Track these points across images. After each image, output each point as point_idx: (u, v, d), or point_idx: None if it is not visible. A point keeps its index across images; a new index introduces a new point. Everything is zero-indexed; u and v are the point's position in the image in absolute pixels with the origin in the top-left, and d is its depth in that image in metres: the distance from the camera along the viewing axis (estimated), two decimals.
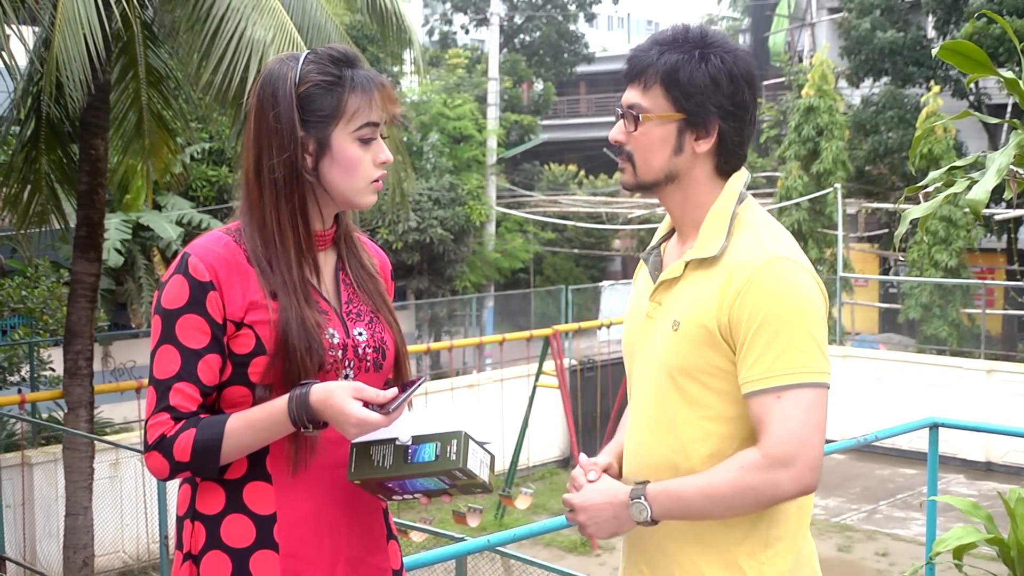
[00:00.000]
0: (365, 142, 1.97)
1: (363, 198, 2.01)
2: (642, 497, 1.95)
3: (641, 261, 2.20)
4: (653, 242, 2.20)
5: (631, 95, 2.03)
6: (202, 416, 1.90)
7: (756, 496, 1.90)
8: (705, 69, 1.96)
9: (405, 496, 1.97)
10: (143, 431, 1.91)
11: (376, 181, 2.00)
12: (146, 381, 1.99)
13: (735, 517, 1.96)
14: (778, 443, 1.87)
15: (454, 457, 1.87)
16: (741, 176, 2.05)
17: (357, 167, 1.97)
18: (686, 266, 2.02)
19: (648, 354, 2.07)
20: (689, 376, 1.98)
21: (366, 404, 1.85)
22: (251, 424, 1.88)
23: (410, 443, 1.90)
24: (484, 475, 1.91)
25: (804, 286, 1.93)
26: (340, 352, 1.98)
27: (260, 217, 1.97)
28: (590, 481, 2.05)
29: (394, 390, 1.89)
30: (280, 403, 1.88)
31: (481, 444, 1.92)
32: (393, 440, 1.91)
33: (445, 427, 1.91)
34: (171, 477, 1.91)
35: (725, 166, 2.04)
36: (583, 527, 2.03)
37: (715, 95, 1.97)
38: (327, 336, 1.96)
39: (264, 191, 1.96)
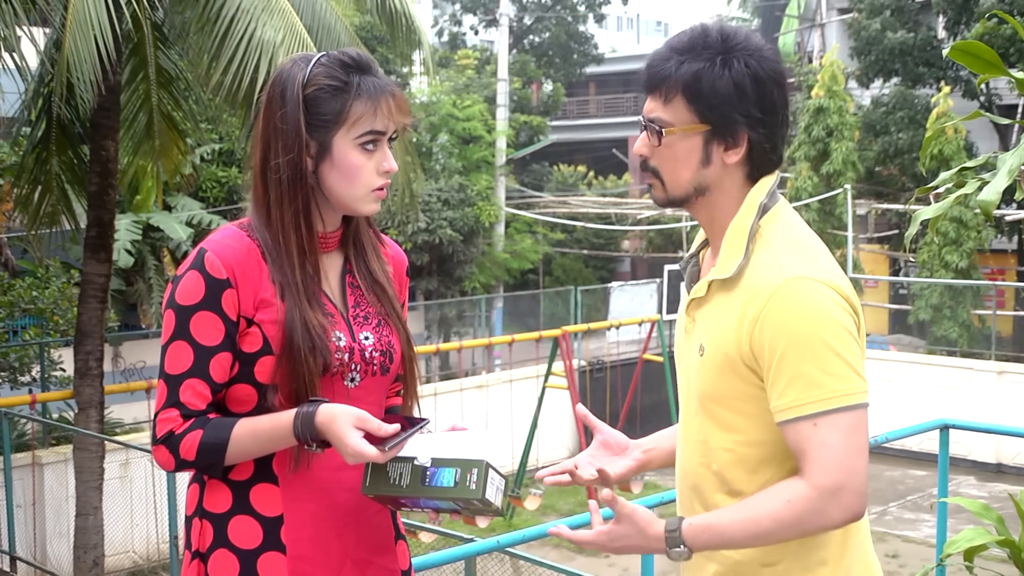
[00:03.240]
0: (368, 150, 1.95)
1: (363, 205, 1.99)
2: (680, 545, 1.86)
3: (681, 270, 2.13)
4: (692, 249, 2.12)
5: (652, 107, 1.93)
6: (211, 416, 1.91)
7: (803, 528, 1.82)
8: (728, 76, 1.86)
9: (414, 509, 1.97)
10: (152, 424, 1.93)
11: (379, 190, 1.98)
12: (156, 381, 1.98)
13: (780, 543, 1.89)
14: (824, 473, 1.79)
15: (474, 487, 1.86)
16: (764, 185, 1.94)
17: (357, 174, 1.95)
18: (709, 286, 1.94)
19: (685, 373, 2.02)
20: (718, 402, 1.92)
21: (367, 435, 1.85)
22: (256, 433, 1.89)
23: (429, 464, 1.89)
24: (498, 501, 1.90)
25: (824, 304, 1.82)
26: (346, 356, 1.97)
27: (266, 215, 1.96)
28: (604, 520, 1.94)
29: (396, 426, 1.87)
30: (286, 417, 1.88)
31: (496, 469, 1.91)
32: (411, 459, 1.90)
33: (464, 451, 1.90)
34: (177, 471, 1.94)
35: (757, 173, 1.94)
36: (600, 548, 1.95)
37: (741, 103, 1.87)
38: (333, 339, 1.95)
39: (269, 190, 1.96)
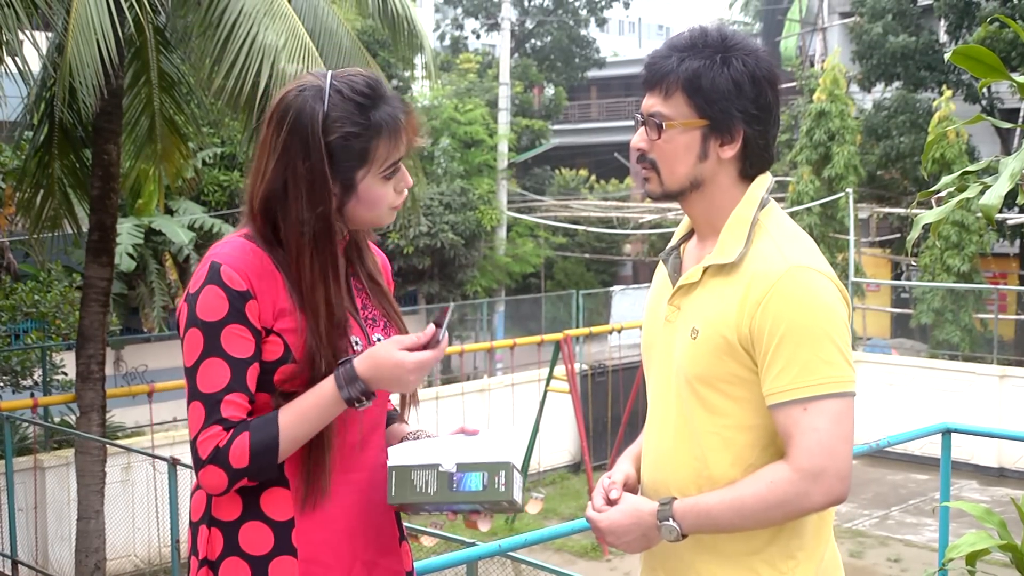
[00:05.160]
0: (388, 178, 1.97)
1: (383, 220, 2.02)
2: (670, 519, 1.93)
3: (660, 261, 2.16)
4: (672, 242, 2.16)
5: (652, 102, 1.99)
6: (247, 419, 1.89)
7: (786, 509, 1.88)
8: (727, 73, 1.93)
9: (434, 513, 1.97)
10: (193, 448, 1.87)
11: (397, 205, 2.01)
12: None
13: (765, 527, 1.94)
14: (807, 456, 1.85)
15: (503, 489, 1.87)
16: (764, 181, 2.02)
17: (381, 202, 1.97)
18: (704, 271, 1.99)
19: (666, 360, 2.05)
20: (708, 385, 1.95)
21: (409, 351, 1.88)
22: (304, 414, 1.88)
23: (455, 470, 1.89)
24: (521, 500, 1.92)
25: (826, 294, 1.89)
26: None
27: (286, 255, 1.93)
28: (612, 500, 2.02)
29: (431, 327, 1.91)
30: (328, 387, 1.88)
31: (518, 468, 1.93)
32: (436, 466, 1.91)
33: (486, 454, 1.90)
34: (229, 489, 1.87)
35: (751, 170, 2.01)
36: (612, 544, 2.02)
37: (739, 100, 1.93)
38: (352, 344, 1.96)
39: (290, 241, 1.91)
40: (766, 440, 1.94)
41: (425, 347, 1.89)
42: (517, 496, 1.89)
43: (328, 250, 1.93)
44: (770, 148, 2.02)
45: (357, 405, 1.89)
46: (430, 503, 1.91)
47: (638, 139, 2.02)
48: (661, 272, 2.16)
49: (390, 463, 1.94)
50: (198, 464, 1.86)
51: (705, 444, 1.97)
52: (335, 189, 1.92)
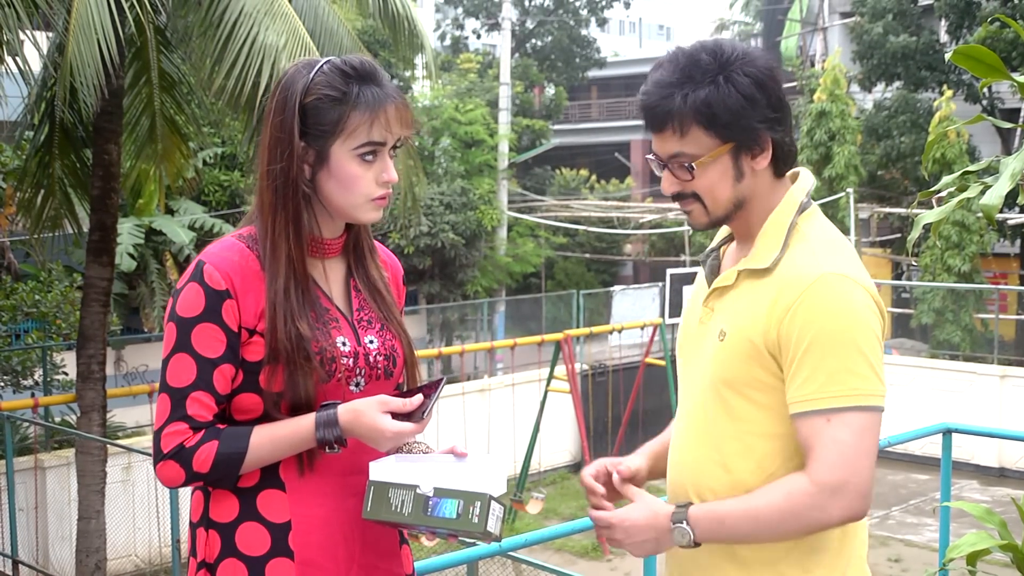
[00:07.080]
0: (367, 160, 1.95)
1: (362, 214, 1.98)
2: (684, 522, 1.89)
3: (700, 262, 2.14)
4: (713, 243, 2.14)
5: (668, 145, 1.93)
6: (220, 427, 1.90)
7: (802, 523, 1.84)
8: (735, 91, 1.88)
9: (411, 531, 1.97)
10: (155, 440, 1.89)
11: (378, 199, 1.98)
12: (159, 385, 1.96)
13: (780, 541, 1.90)
14: (828, 469, 1.81)
15: (476, 520, 1.86)
16: (803, 185, 1.99)
17: (354, 183, 1.95)
18: (739, 275, 1.96)
19: (697, 361, 2.02)
20: (733, 389, 1.92)
21: (394, 415, 1.87)
22: (275, 440, 1.89)
23: (432, 494, 1.89)
24: (498, 530, 1.91)
25: (858, 304, 1.84)
26: (351, 360, 1.97)
27: (263, 223, 1.97)
28: (608, 481, 2.00)
29: (419, 396, 1.90)
30: (306, 422, 1.89)
31: (498, 500, 1.91)
32: (414, 487, 1.90)
33: (467, 481, 1.89)
34: (183, 486, 1.91)
35: (783, 167, 1.99)
36: (617, 543, 1.97)
37: (755, 111, 1.89)
38: (338, 344, 1.95)
39: (265, 197, 1.96)
40: (790, 450, 1.90)
41: (410, 415, 1.88)
42: (492, 528, 1.87)
43: (289, 206, 1.94)
44: (791, 137, 1.99)
45: (328, 449, 1.90)
46: (404, 523, 1.91)
47: (671, 185, 1.97)
48: (700, 273, 2.13)
49: (371, 477, 1.94)
50: (158, 456, 1.88)
51: (727, 450, 1.94)
52: (309, 155, 1.94)
